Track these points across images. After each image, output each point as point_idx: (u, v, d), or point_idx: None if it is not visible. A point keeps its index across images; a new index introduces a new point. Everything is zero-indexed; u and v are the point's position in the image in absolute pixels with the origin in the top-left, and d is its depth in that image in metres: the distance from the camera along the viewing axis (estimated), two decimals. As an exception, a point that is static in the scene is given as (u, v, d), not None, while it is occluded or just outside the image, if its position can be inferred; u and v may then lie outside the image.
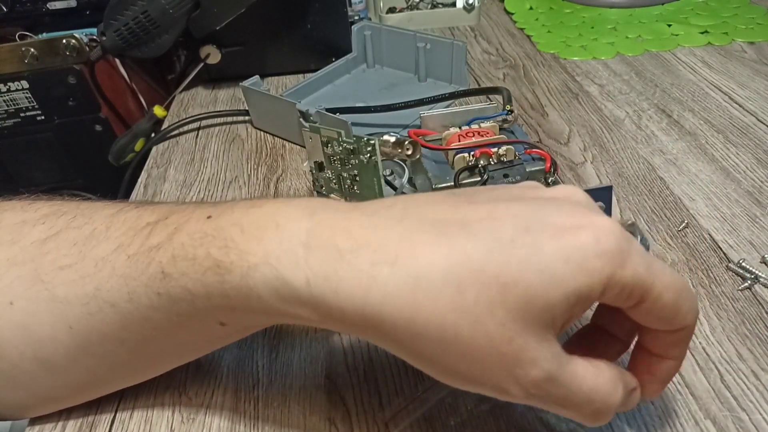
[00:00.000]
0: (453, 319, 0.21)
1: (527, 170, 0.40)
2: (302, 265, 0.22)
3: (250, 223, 0.23)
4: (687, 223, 0.42)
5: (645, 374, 0.26)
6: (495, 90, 0.52)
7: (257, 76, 0.58)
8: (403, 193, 0.41)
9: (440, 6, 0.80)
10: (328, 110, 0.49)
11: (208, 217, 0.25)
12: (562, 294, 0.21)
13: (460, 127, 0.44)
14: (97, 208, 0.29)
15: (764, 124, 0.53)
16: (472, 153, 0.41)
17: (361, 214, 0.23)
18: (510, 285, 0.20)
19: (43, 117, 0.73)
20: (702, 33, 0.69)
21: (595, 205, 0.25)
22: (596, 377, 0.23)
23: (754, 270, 0.37)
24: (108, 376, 0.30)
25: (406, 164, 0.42)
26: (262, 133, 0.59)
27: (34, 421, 0.32)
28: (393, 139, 0.40)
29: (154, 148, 0.59)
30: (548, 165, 0.41)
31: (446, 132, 0.44)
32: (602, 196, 0.36)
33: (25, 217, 0.29)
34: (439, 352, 0.21)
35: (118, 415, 0.32)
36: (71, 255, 0.27)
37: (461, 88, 0.58)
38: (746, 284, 0.37)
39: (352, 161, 0.37)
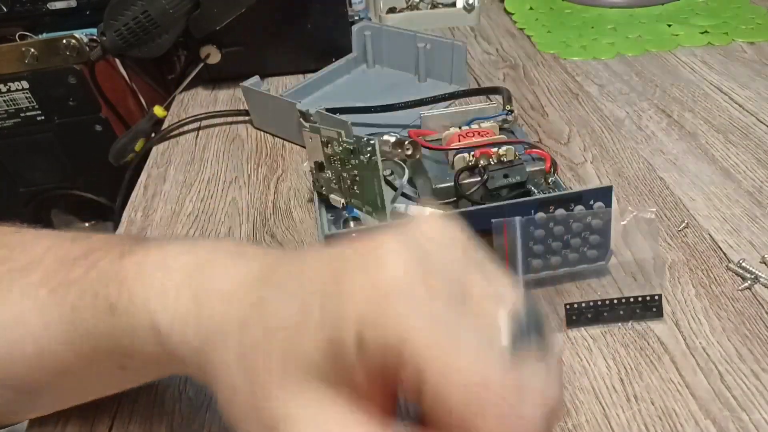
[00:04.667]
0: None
1: (527, 170, 0.40)
2: (170, 309, 0.22)
3: (146, 264, 0.24)
4: (687, 223, 0.42)
5: None
6: (495, 90, 0.52)
7: (257, 76, 0.58)
8: (403, 193, 0.41)
9: (440, 6, 0.80)
10: (328, 110, 0.49)
11: (121, 255, 0.25)
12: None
13: (460, 127, 0.44)
14: (38, 242, 0.29)
15: (764, 124, 0.53)
16: (472, 153, 0.41)
17: (240, 257, 0.23)
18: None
19: (43, 117, 0.73)
20: (702, 33, 0.69)
21: None
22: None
23: (754, 270, 0.37)
24: (16, 408, 0.30)
25: (406, 164, 0.42)
26: (262, 133, 0.59)
27: (33, 422, 0.32)
28: (393, 139, 0.40)
29: (154, 148, 0.59)
30: (548, 165, 0.41)
31: (446, 132, 0.44)
32: (602, 196, 0.36)
33: None
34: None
35: (118, 415, 0.32)
36: (2, 281, 0.27)
37: (461, 88, 0.58)
38: (746, 284, 0.37)
39: (352, 161, 0.37)
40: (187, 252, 0.24)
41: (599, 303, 0.35)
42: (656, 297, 0.35)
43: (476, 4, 0.78)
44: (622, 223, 0.36)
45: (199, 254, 0.23)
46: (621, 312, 0.35)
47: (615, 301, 0.35)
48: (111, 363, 0.26)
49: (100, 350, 0.25)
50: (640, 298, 0.35)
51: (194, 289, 0.22)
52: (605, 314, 0.35)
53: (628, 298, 0.35)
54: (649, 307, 0.35)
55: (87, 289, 0.25)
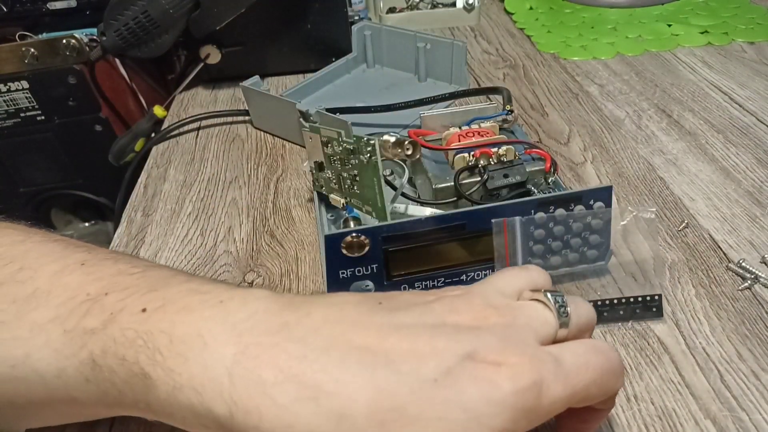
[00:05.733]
0: None
1: (527, 170, 0.40)
2: (226, 396, 0.21)
3: (177, 335, 0.23)
4: (687, 223, 0.42)
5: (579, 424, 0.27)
6: (495, 90, 0.52)
7: (257, 76, 0.58)
8: (403, 193, 0.41)
9: (440, 6, 0.80)
10: (328, 110, 0.49)
11: (143, 310, 0.24)
12: (488, 431, 0.21)
13: (460, 127, 0.44)
14: (45, 261, 0.27)
15: (764, 124, 0.53)
16: (472, 153, 0.41)
17: (288, 339, 0.22)
18: (434, 421, 0.20)
19: (43, 117, 0.73)
20: (702, 33, 0.69)
21: (510, 309, 0.24)
22: None
23: (754, 270, 0.37)
24: (37, 422, 0.30)
25: (406, 164, 0.42)
26: (262, 133, 0.59)
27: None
28: (393, 139, 0.40)
29: (154, 148, 0.59)
30: (548, 165, 0.41)
31: (446, 132, 0.44)
32: (602, 196, 0.36)
33: None
34: None
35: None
36: (8, 312, 0.26)
37: (461, 88, 0.58)
38: (746, 284, 0.37)
39: (352, 161, 0.37)
40: (222, 324, 0.23)
41: (599, 303, 0.35)
42: (656, 297, 0.35)
43: (476, 4, 0.78)
44: (622, 223, 0.36)
45: (240, 330, 0.23)
46: (621, 312, 0.35)
47: (615, 301, 0.35)
48: (136, 411, 0.25)
49: (126, 405, 0.24)
50: (640, 298, 0.35)
51: (255, 377, 0.21)
52: (605, 314, 0.35)
53: (628, 298, 0.35)
54: (649, 307, 0.35)
55: (109, 347, 0.24)
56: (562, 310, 0.24)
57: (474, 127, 0.44)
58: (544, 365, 0.22)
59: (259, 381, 0.21)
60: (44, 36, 0.69)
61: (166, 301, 0.24)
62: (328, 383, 0.21)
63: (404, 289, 0.37)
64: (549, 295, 0.25)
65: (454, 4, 0.80)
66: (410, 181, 0.44)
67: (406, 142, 0.41)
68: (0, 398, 0.26)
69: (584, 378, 0.23)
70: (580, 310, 0.25)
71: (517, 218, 0.34)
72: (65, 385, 0.25)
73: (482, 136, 0.42)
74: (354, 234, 0.34)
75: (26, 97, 0.71)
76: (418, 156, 0.42)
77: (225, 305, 0.24)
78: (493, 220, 0.34)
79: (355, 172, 0.38)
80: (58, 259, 0.28)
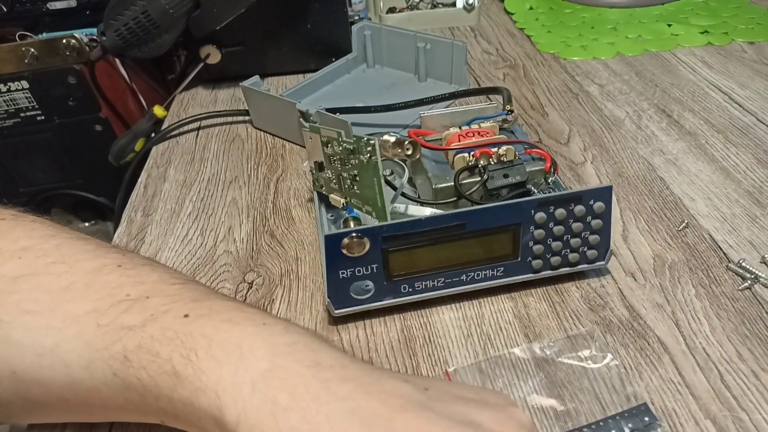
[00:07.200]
0: None
1: (527, 170, 0.40)
2: (240, 405, 0.22)
3: (217, 341, 0.24)
4: (687, 223, 0.42)
5: None
6: (495, 90, 0.52)
7: (257, 76, 0.58)
8: (403, 193, 0.41)
9: (440, 6, 0.80)
10: (328, 110, 0.49)
11: (185, 315, 0.25)
12: None
13: (460, 127, 0.44)
14: (80, 258, 0.28)
15: (764, 124, 0.53)
16: (472, 153, 0.41)
17: (314, 377, 0.23)
18: None
19: (43, 117, 0.73)
20: (702, 33, 0.69)
21: None
22: None
23: (754, 270, 0.37)
24: (42, 417, 0.30)
25: (406, 164, 0.42)
26: (262, 133, 0.59)
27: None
28: (393, 139, 0.40)
29: (154, 148, 0.59)
30: (548, 165, 0.41)
31: (446, 132, 0.44)
32: (602, 196, 0.36)
33: (1, 246, 0.28)
34: None
35: (118, 415, 0.32)
36: (41, 302, 0.26)
37: (461, 88, 0.58)
38: (746, 284, 0.37)
39: (352, 161, 0.37)
40: (263, 341, 0.24)
41: None
42: None
43: (476, 4, 0.78)
44: None
45: (277, 351, 0.24)
46: None
47: None
48: (151, 414, 0.26)
49: (146, 404, 0.25)
50: None
51: (271, 397, 0.22)
52: None
53: None
54: None
55: (145, 343, 0.24)
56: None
57: (474, 127, 0.44)
58: None
59: (274, 401, 0.22)
60: (44, 36, 0.69)
61: (211, 311, 0.26)
62: (324, 428, 0.22)
63: (404, 289, 0.37)
64: None
65: (454, 4, 0.80)
66: (410, 181, 0.44)
67: (406, 142, 0.41)
68: (16, 389, 0.27)
69: None
70: None
71: None
72: (91, 376, 0.25)
73: (482, 136, 0.42)
74: (354, 234, 0.34)
75: (26, 97, 0.71)
76: (418, 156, 0.42)
77: (268, 327, 0.25)
78: None
79: (355, 172, 0.38)
80: (94, 257, 0.28)
